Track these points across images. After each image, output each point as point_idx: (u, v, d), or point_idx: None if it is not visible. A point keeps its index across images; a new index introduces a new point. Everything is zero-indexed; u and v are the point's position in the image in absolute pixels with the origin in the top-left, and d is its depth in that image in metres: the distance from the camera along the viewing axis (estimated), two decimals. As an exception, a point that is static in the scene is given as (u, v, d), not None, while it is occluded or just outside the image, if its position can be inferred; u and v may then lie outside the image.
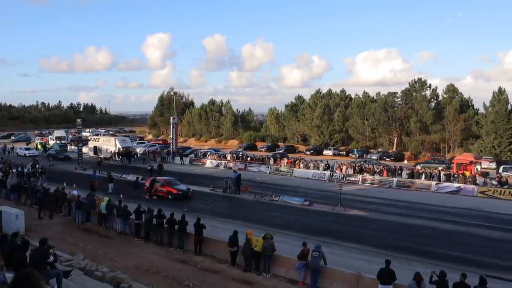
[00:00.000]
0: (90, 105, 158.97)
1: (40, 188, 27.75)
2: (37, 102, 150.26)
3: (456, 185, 35.16)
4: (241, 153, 55.80)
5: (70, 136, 70.27)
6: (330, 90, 79.40)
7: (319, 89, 79.61)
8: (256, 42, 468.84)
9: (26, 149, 61.40)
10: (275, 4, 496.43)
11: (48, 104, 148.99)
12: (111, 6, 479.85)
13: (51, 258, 11.05)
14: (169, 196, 30.84)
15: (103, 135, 78.36)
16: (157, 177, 34.37)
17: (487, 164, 46.61)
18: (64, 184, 30.71)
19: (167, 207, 23.87)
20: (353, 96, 75.45)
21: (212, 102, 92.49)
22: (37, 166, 40.20)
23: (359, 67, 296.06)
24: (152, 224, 20.71)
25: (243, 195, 32.71)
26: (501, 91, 59.01)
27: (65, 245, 18.82)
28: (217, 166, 49.45)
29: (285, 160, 47.48)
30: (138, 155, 54.25)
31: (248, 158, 50.55)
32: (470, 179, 35.62)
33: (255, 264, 16.81)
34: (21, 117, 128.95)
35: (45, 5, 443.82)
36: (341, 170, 42.07)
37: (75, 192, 25.99)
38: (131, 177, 38.37)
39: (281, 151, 62.07)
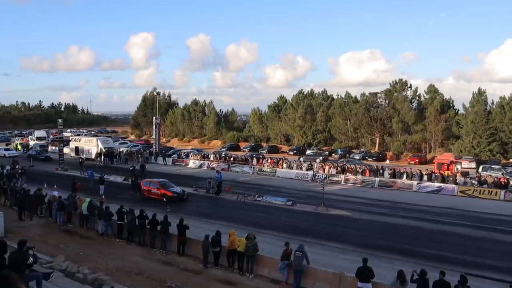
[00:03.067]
0: (72, 105, 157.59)
1: (20, 189, 27.34)
2: (17, 102, 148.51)
3: (437, 184, 35.58)
4: (224, 153, 55.70)
5: (51, 136, 69.42)
6: (312, 91, 79.92)
7: (301, 89, 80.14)
8: (240, 42, 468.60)
9: (6, 149, 60.41)
10: (260, 4, 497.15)
11: (29, 104, 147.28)
12: (95, 5, 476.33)
13: (31, 260, 10.87)
14: (164, 199, 29.78)
15: (85, 135, 77.55)
16: (152, 179, 33.08)
17: (467, 164, 47.32)
18: (45, 185, 30.35)
19: (150, 207, 23.70)
20: (335, 97, 75.97)
21: (195, 102, 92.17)
22: (17, 166, 39.62)
23: (342, 68, 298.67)
24: (134, 225, 20.54)
25: (226, 195, 32.64)
26: (480, 92, 59.97)
27: (45, 247, 18.59)
28: (200, 166, 49.30)
29: (268, 160, 47.65)
30: (122, 155, 53.63)
31: (231, 159, 50.53)
32: (450, 179, 36.13)
33: (238, 264, 16.81)
34: (1, 117, 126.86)
35: (27, 4, 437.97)
36: (323, 170, 42.27)
37: (55, 193, 25.68)
38: (113, 178, 38.23)
39: (263, 151, 62.35)
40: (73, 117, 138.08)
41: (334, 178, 40.15)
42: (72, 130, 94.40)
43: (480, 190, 33.74)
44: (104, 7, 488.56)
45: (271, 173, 44.02)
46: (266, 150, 65.40)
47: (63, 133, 53.09)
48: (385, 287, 13.65)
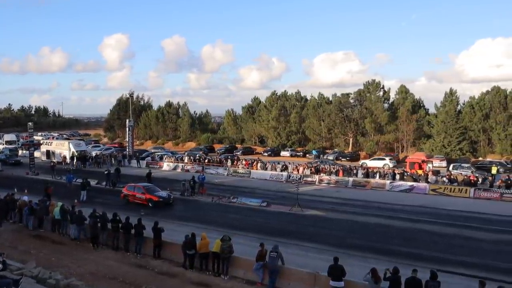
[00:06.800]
0: (43, 108, 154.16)
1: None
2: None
3: (409, 183, 36.13)
4: (198, 155, 55.45)
5: (21, 140, 68.02)
6: (285, 92, 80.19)
7: (275, 91, 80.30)
8: (215, 43, 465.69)
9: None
10: (236, 5, 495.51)
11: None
12: (67, 5, 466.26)
13: (0, 266, 10.65)
14: (150, 204, 29.20)
15: (56, 138, 76.19)
16: (136, 184, 32.01)
17: (438, 163, 48.27)
18: (15, 189, 29.67)
19: (124, 211, 23.42)
20: (309, 98, 76.45)
21: (169, 104, 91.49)
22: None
23: (317, 69, 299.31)
24: (98, 228, 20.24)
25: (201, 198, 32.53)
26: (452, 92, 61.24)
27: (16, 253, 18.20)
28: (174, 168, 49.00)
29: (243, 161, 47.72)
30: (97, 158, 52.70)
31: (206, 160, 50.38)
32: (422, 177, 36.77)
33: (213, 266, 16.77)
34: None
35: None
36: (298, 171, 42.49)
37: (26, 198, 25.15)
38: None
39: (238, 153, 62.43)
40: (44, 120, 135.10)
41: (309, 179, 40.39)
42: (43, 133, 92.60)
43: (451, 188, 34.42)
44: (77, 8, 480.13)
45: (245, 175, 44.06)
46: (240, 151, 65.38)
47: (34, 137, 52.09)
48: (359, 285, 13.82)
